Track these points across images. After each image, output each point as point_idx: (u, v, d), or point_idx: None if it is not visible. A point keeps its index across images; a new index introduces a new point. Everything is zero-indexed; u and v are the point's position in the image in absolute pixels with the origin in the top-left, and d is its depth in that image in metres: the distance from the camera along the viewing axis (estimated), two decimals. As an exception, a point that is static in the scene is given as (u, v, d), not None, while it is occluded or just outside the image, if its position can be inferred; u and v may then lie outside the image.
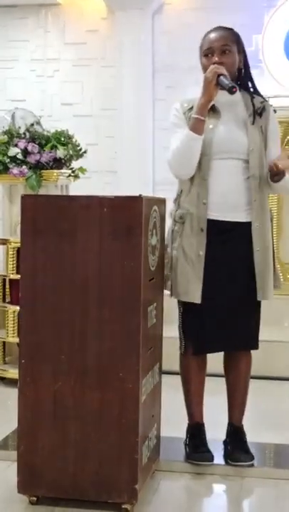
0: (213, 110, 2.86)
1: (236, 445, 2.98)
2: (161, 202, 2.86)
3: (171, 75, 6.20)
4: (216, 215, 2.85)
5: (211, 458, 2.93)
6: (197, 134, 2.79)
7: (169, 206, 2.97)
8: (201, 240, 2.83)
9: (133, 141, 6.35)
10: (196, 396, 3.01)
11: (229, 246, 2.86)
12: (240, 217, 2.87)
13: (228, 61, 2.85)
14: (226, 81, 2.78)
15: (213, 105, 2.85)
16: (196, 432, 3.01)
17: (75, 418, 2.53)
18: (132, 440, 2.50)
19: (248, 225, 2.87)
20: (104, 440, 2.51)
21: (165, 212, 2.90)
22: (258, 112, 2.90)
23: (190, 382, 3.01)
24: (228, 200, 2.85)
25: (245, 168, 2.87)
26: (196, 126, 2.79)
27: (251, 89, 2.98)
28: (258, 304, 2.95)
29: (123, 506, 2.51)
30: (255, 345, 2.97)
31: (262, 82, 6.08)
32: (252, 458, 2.94)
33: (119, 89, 6.31)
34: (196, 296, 2.84)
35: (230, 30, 2.94)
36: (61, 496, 2.57)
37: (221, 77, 2.78)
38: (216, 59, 2.84)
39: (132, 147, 6.33)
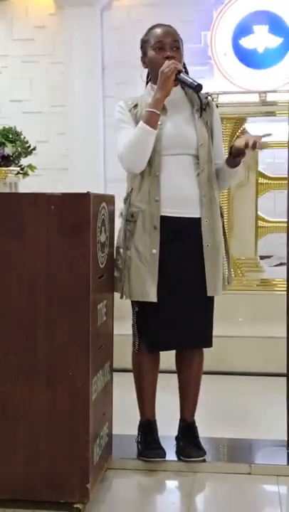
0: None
1: (188, 441, 2.99)
2: (110, 199, 2.85)
3: (121, 71, 6.20)
4: (168, 211, 2.84)
5: (163, 454, 2.93)
6: (151, 127, 2.78)
7: (119, 205, 2.95)
8: (154, 237, 2.82)
9: (84, 138, 6.33)
10: (149, 394, 3.00)
11: (182, 242, 2.86)
12: (192, 212, 2.87)
13: (178, 57, 2.85)
14: (188, 79, 2.79)
15: None
16: (147, 429, 3.00)
17: (24, 418, 2.49)
18: (82, 439, 2.48)
19: (199, 221, 2.87)
20: (54, 440, 2.49)
21: (114, 209, 2.88)
22: (204, 107, 2.90)
23: (142, 380, 3.00)
24: (180, 195, 2.85)
25: (195, 163, 2.87)
26: (151, 120, 2.78)
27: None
28: (211, 301, 2.95)
29: (75, 506, 2.49)
30: (208, 343, 2.98)
31: (211, 78, 6.16)
32: (204, 453, 2.95)
33: (68, 85, 6.29)
34: (152, 295, 2.81)
35: (173, 27, 2.94)
36: (11, 497, 2.53)
37: (182, 75, 2.78)
38: (169, 53, 2.83)
39: (83, 144, 6.32)
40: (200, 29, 6.00)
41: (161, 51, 2.85)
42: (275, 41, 5.91)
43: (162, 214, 2.84)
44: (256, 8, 5.96)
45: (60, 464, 2.49)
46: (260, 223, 5.35)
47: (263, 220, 5.40)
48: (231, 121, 4.88)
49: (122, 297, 2.88)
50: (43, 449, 2.50)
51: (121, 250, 2.89)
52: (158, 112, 2.78)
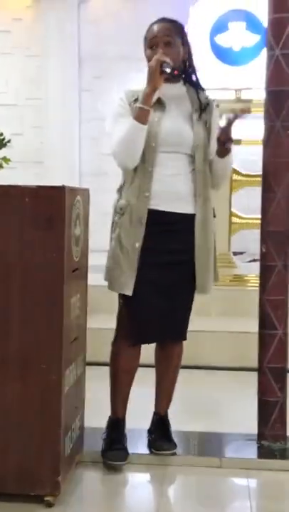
0: (159, 103, 2.83)
1: (160, 434, 3.01)
2: (85, 192, 2.84)
3: (98, 64, 6.18)
4: (158, 205, 2.82)
5: (123, 456, 2.88)
6: (141, 123, 2.75)
7: (94, 199, 2.94)
8: (138, 231, 2.81)
9: (59, 131, 6.32)
10: (123, 393, 2.96)
11: (171, 237, 2.85)
12: (184, 208, 2.86)
13: (171, 53, 2.82)
14: (167, 67, 2.75)
15: (159, 98, 2.82)
16: (115, 426, 2.97)
17: (-5, 410, 2.49)
18: (54, 432, 2.48)
19: (191, 218, 2.86)
20: (25, 432, 2.49)
21: (89, 202, 2.88)
22: (203, 107, 2.89)
23: (118, 379, 2.94)
24: (172, 191, 2.83)
25: (190, 162, 2.86)
26: (141, 116, 2.75)
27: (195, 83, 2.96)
28: (193, 296, 2.97)
29: (46, 498, 2.49)
30: (184, 336, 3.00)
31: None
32: (175, 446, 2.97)
33: (44, 79, 6.26)
34: (128, 289, 2.80)
35: (174, 22, 2.91)
36: (-18, 490, 2.54)
37: (164, 65, 2.75)
38: (160, 50, 2.80)
39: (59, 138, 6.30)
40: (176, 25, 5.99)
41: (154, 48, 2.83)
42: (252, 39, 5.92)
43: (152, 208, 2.81)
44: (233, 6, 5.98)
45: (31, 457, 2.49)
46: (234, 219, 5.39)
47: (237, 216, 5.44)
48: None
49: (108, 287, 2.87)
50: (13, 440, 2.50)
51: (110, 240, 2.90)
52: (147, 108, 2.75)
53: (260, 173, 3.16)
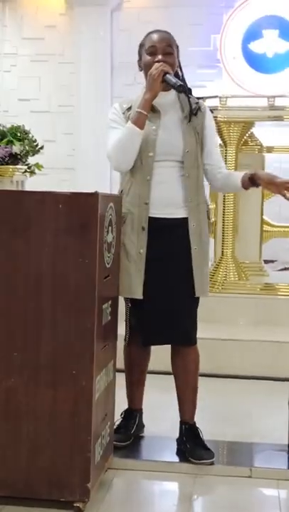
0: (153, 110, 2.92)
1: (195, 443, 2.99)
2: (118, 199, 2.86)
3: (130, 72, 6.19)
4: (156, 212, 2.93)
5: (124, 440, 3.04)
6: (138, 127, 2.86)
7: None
8: (142, 238, 2.91)
9: (91, 138, 6.34)
10: (134, 385, 3.14)
11: (168, 243, 2.94)
12: (177, 213, 2.95)
13: (170, 62, 2.92)
14: (173, 79, 2.87)
15: (153, 106, 2.91)
16: (127, 415, 3.14)
17: (27, 415, 2.50)
18: (84, 438, 2.48)
19: (184, 222, 2.94)
20: (56, 438, 2.49)
21: (121, 209, 2.90)
22: (194, 112, 2.95)
23: (131, 373, 3.12)
24: (167, 198, 2.93)
25: (180, 168, 2.94)
26: (139, 120, 2.86)
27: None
28: (196, 301, 3.01)
29: (75, 504, 2.49)
30: (193, 341, 3.02)
31: (219, 82, 6.16)
32: (213, 455, 2.95)
33: (77, 85, 6.29)
34: (137, 292, 2.91)
35: (170, 33, 3.00)
36: (12, 495, 2.54)
37: (168, 75, 2.86)
38: (160, 57, 2.90)
39: (90, 144, 6.32)
40: (209, 32, 6.00)
41: (154, 55, 2.92)
42: (285, 46, 5.90)
43: (150, 215, 2.92)
44: (266, 12, 5.97)
45: (62, 463, 2.49)
46: (265, 227, 5.36)
47: (268, 224, 5.41)
48: (239, 125, 4.88)
49: None
50: (44, 447, 2.50)
51: None
52: (145, 113, 2.86)
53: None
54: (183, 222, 2.94)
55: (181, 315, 2.97)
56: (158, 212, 2.92)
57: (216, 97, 4.77)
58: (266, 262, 5.48)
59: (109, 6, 6.26)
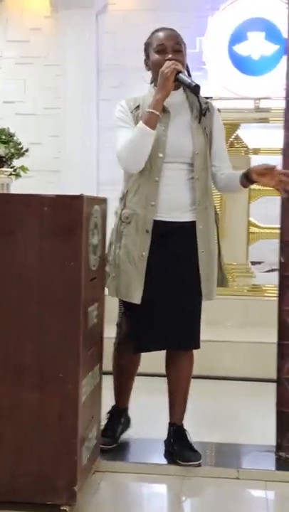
0: (163, 111, 2.83)
1: (182, 445, 2.98)
2: (103, 201, 2.84)
3: (116, 74, 6.20)
4: (162, 215, 2.86)
5: (110, 443, 3.03)
6: (151, 128, 2.77)
7: (114, 204, 2.95)
8: (145, 240, 2.84)
9: (77, 140, 6.32)
10: (123, 387, 3.13)
11: (174, 246, 2.87)
12: (185, 217, 2.88)
13: (180, 60, 2.84)
14: (187, 79, 2.78)
15: (163, 106, 2.82)
16: (114, 412, 3.14)
17: (12, 419, 2.48)
18: (71, 441, 2.47)
19: (192, 226, 2.88)
20: (42, 441, 2.47)
21: (107, 211, 2.88)
22: (203, 112, 2.89)
23: (120, 377, 3.11)
24: (174, 201, 2.86)
25: (189, 170, 2.88)
26: (151, 120, 2.77)
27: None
28: (200, 304, 2.96)
29: (62, 508, 2.48)
30: (197, 345, 2.99)
31: (205, 84, 6.15)
32: (201, 457, 2.95)
33: (63, 88, 6.28)
34: (136, 297, 2.84)
35: (176, 31, 2.93)
36: (-3, 499, 2.53)
37: (181, 75, 2.77)
38: (170, 56, 2.82)
39: (76, 147, 6.31)
40: (195, 35, 6.00)
41: (163, 53, 2.84)
42: (272, 48, 5.92)
43: (156, 218, 2.85)
44: (252, 15, 5.98)
45: (48, 466, 2.48)
46: (252, 229, 5.37)
47: (255, 225, 5.42)
48: (225, 127, 4.88)
49: (109, 293, 2.89)
50: (30, 450, 2.49)
51: (113, 247, 2.91)
52: (157, 113, 2.77)
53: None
54: (190, 225, 2.87)
55: (186, 321, 2.91)
56: (164, 215, 2.85)
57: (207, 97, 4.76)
58: (253, 263, 5.49)
59: (95, 8, 6.25)
